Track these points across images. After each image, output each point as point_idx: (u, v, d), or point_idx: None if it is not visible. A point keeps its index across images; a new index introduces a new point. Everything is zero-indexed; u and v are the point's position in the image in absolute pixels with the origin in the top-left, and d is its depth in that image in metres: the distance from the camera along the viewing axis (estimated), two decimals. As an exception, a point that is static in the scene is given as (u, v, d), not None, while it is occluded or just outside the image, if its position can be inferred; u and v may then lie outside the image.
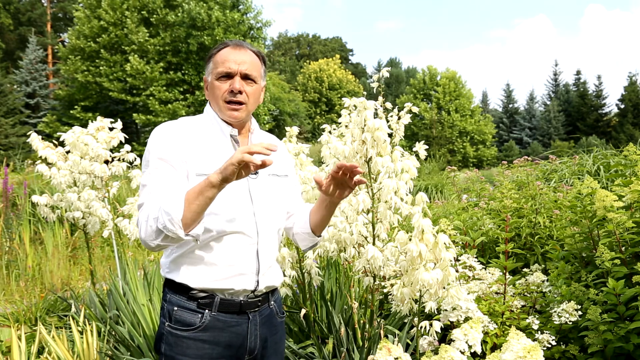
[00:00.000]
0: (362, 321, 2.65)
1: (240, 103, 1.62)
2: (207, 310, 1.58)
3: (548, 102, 45.04)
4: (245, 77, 1.63)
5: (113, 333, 3.28)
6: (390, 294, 2.17)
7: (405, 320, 3.06)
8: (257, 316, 1.66)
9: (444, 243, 1.76)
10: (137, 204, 1.57)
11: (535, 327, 2.41)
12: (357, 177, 1.61)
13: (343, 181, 1.62)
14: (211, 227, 1.56)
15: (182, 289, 1.60)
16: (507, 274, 2.76)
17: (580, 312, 2.37)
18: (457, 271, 2.40)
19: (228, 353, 1.61)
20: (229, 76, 1.62)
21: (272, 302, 1.73)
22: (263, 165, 1.38)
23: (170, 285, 1.63)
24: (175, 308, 1.59)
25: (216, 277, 1.58)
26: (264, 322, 1.68)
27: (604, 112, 42.68)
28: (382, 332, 2.57)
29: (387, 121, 2.41)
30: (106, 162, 3.92)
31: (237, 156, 1.37)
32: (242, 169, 1.39)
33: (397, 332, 2.98)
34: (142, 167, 1.61)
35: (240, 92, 1.61)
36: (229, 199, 1.58)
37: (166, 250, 1.65)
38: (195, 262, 1.58)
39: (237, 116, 1.62)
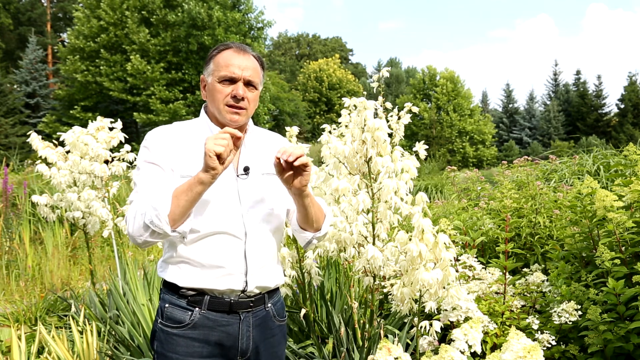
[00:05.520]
0: (362, 321, 2.65)
1: (242, 108, 1.63)
2: (196, 308, 1.59)
3: (548, 102, 44.99)
4: (248, 84, 1.64)
5: (113, 333, 3.28)
6: (390, 294, 2.17)
7: (405, 320, 3.06)
8: (250, 317, 1.64)
9: (444, 243, 1.76)
10: (128, 201, 1.60)
11: (535, 327, 2.41)
12: (298, 161, 1.52)
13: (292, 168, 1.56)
14: (198, 227, 1.57)
15: (173, 287, 1.62)
16: (507, 274, 2.76)
17: (580, 312, 2.38)
18: (457, 271, 2.40)
19: (219, 352, 1.61)
20: (232, 81, 1.62)
21: (270, 305, 1.70)
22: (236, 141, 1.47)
23: (164, 284, 1.66)
24: (167, 305, 1.61)
25: (203, 277, 1.58)
26: (257, 324, 1.66)
27: (604, 112, 42.62)
28: (382, 332, 2.57)
29: (387, 121, 2.41)
30: (106, 162, 3.92)
31: (211, 147, 1.42)
32: (220, 157, 1.44)
33: (397, 332, 2.98)
34: (135, 168, 1.66)
35: (243, 99, 1.62)
36: (216, 199, 1.58)
37: (163, 251, 1.68)
38: (184, 261, 1.60)
39: (238, 120, 1.63)
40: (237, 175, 1.63)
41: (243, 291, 1.61)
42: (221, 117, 1.64)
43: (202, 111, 1.72)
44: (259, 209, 1.65)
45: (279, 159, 1.53)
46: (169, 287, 1.63)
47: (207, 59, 1.69)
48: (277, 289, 1.76)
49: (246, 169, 1.64)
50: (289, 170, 1.55)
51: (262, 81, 1.72)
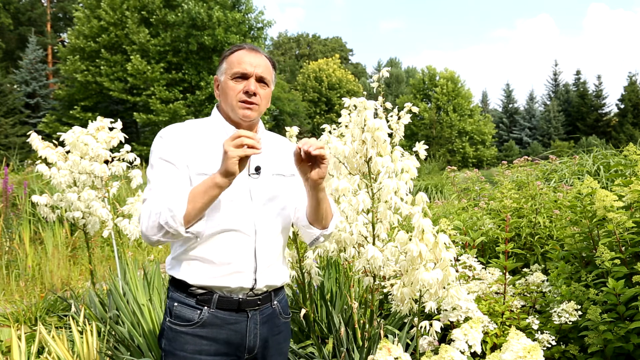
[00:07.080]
0: (362, 321, 2.65)
1: (254, 104, 1.66)
2: (205, 307, 1.61)
3: (548, 102, 44.98)
4: (260, 80, 1.68)
5: (113, 333, 3.28)
6: (390, 294, 2.17)
7: (405, 320, 3.06)
8: (258, 315, 1.67)
9: (444, 243, 1.76)
10: (141, 199, 1.60)
11: (535, 327, 2.41)
12: (317, 151, 1.56)
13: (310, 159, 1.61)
14: (210, 224, 1.58)
15: (181, 286, 1.63)
16: (507, 274, 2.76)
17: (580, 312, 2.37)
18: (457, 271, 2.41)
19: (226, 350, 1.63)
20: (244, 77, 1.66)
21: (275, 302, 1.74)
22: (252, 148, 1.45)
23: (172, 282, 1.67)
24: (176, 304, 1.63)
25: (213, 275, 1.60)
26: (264, 322, 1.69)
27: (604, 112, 42.62)
28: (382, 332, 2.57)
29: (387, 121, 2.41)
30: (106, 162, 3.92)
31: (235, 152, 1.43)
32: (241, 161, 1.46)
33: (397, 332, 2.98)
34: (148, 166, 1.66)
35: (254, 94, 1.66)
36: (228, 197, 1.59)
37: (172, 248, 1.69)
38: (194, 259, 1.61)
39: (250, 115, 1.66)
40: (249, 174, 1.66)
41: (252, 289, 1.64)
42: (234, 114, 1.67)
43: (215, 110, 1.74)
44: (269, 207, 1.68)
45: (300, 148, 1.58)
46: (178, 285, 1.64)
47: (220, 60, 1.74)
48: (282, 287, 1.79)
49: (257, 169, 1.67)
50: (308, 162, 1.60)
51: (273, 81, 1.76)
